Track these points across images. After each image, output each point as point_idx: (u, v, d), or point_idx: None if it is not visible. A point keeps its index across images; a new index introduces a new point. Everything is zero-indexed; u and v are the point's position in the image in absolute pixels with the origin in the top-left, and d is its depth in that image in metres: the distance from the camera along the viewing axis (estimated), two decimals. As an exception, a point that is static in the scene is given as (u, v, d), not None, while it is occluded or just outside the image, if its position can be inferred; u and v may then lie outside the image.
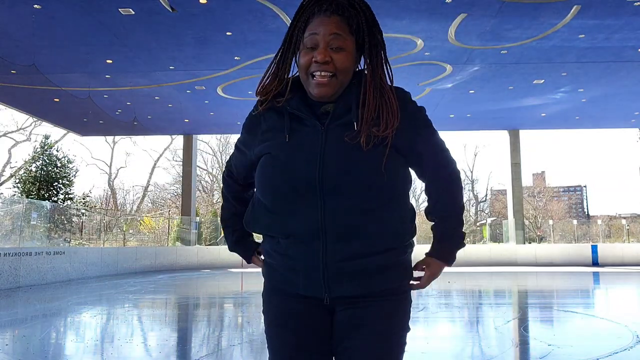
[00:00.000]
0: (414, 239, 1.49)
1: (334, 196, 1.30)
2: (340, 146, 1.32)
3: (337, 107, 1.36)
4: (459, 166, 1.57)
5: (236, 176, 1.60)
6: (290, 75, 1.42)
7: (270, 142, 1.39)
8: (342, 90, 1.37)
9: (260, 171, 1.40)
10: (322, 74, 1.32)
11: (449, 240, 1.50)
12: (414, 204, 1.72)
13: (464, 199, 1.55)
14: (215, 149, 42.38)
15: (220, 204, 1.61)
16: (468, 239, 28.79)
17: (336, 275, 1.33)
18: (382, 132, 1.32)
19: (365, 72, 1.39)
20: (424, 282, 1.48)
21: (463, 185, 1.56)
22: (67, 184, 25.64)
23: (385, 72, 1.40)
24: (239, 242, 1.64)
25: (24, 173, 25.87)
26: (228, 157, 1.63)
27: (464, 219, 1.55)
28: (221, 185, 1.70)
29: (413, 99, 1.44)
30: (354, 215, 1.31)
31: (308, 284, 1.35)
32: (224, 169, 1.65)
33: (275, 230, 1.39)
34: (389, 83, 1.39)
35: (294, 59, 1.40)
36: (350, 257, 1.32)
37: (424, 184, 1.53)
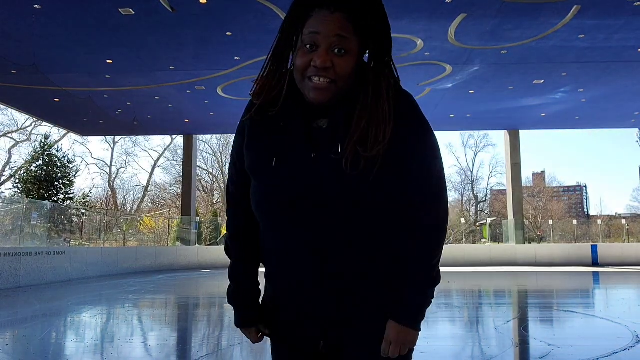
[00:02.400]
0: None
1: None
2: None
3: (330, 122, 1.22)
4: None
5: None
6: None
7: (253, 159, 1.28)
8: (341, 95, 1.21)
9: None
10: (321, 80, 1.17)
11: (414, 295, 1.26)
12: None
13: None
14: (215, 149, 42.42)
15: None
16: (468, 239, 28.79)
17: None
18: (369, 152, 1.17)
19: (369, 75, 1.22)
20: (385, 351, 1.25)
21: (443, 237, 1.29)
22: (67, 184, 25.67)
23: (393, 73, 1.25)
24: None
25: (24, 173, 25.89)
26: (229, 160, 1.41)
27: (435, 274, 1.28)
28: (224, 187, 1.58)
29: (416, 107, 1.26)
30: None
31: None
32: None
33: None
34: (392, 86, 1.23)
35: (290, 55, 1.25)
36: None
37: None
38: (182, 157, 25.36)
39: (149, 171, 42.46)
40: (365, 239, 1.22)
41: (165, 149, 41.46)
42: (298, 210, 1.21)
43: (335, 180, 1.18)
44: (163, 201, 42.32)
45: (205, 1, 9.65)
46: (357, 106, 1.20)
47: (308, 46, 1.18)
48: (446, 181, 1.28)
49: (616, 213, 50.90)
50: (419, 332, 1.26)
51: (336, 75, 1.17)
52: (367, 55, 1.24)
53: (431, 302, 1.26)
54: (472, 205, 48.48)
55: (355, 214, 1.20)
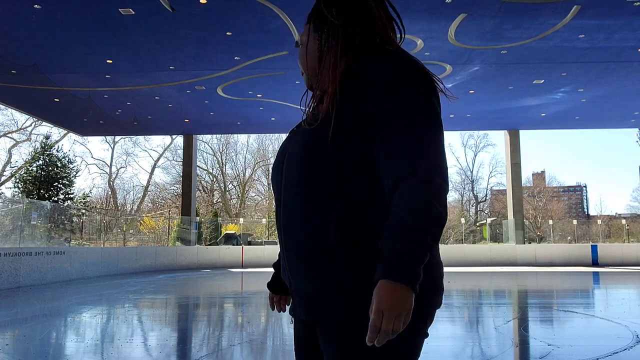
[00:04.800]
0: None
1: None
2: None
3: (311, 100, 1.35)
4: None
5: None
6: None
7: None
8: (318, 77, 1.31)
9: None
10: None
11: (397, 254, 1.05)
12: None
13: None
14: (215, 149, 42.41)
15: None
16: (468, 239, 28.77)
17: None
18: (321, 112, 1.20)
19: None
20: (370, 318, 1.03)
21: (443, 202, 1.08)
22: (68, 184, 25.68)
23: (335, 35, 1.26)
24: None
25: (25, 173, 25.89)
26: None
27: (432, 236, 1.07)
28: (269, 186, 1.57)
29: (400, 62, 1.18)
30: None
31: None
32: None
33: None
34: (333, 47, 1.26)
35: None
36: None
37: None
38: (182, 157, 25.36)
39: (149, 171, 42.51)
40: (325, 213, 1.15)
41: (165, 149, 41.49)
42: (275, 185, 1.30)
43: (298, 147, 1.23)
44: (163, 201, 42.32)
45: (205, 1, 9.66)
46: None
47: None
48: (438, 139, 1.13)
49: (616, 213, 50.96)
50: (413, 295, 1.02)
51: (302, 66, 1.35)
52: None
53: (427, 253, 1.04)
54: (472, 205, 48.49)
55: (314, 185, 1.17)
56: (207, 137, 39.37)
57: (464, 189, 48.93)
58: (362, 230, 1.13)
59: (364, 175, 1.16)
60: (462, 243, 26.08)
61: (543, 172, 59.53)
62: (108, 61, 12.92)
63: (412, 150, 1.09)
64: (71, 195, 26.12)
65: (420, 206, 1.04)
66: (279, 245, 1.33)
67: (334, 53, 1.25)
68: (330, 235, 1.13)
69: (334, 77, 1.22)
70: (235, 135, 39.81)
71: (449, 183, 1.12)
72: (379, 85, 1.15)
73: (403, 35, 1.36)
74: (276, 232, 1.33)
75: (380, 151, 1.13)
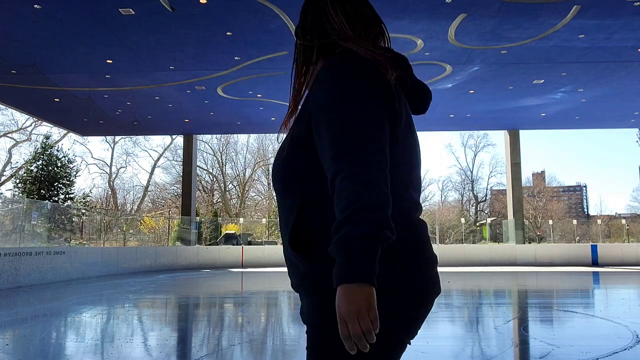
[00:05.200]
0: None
1: None
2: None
3: None
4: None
5: None
6: None
7: None
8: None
9: None
10: None
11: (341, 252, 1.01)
12: None
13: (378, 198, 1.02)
14: (215, 149, 42.41)
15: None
16: (468, 239, 28.77)
17: None
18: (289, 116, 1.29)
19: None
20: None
21: (375, 182, 1.03)
22: (68, 183, 25.68)
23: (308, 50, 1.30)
24: None
25: (25, 173, 25.89)
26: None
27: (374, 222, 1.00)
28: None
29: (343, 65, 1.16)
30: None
31: None
32: None
33: None
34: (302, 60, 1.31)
35: None
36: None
37: None
38: (182, 157, 25.36)
39: (149, 171, 42.49)
40: (287, 218, 1.18)
41: (165, 149, 41.49)
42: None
43: (277, 156, 1.27)
44: (163, 201, 42.32)
45: (205, 1, 9.66)
46: None
47: None
48: (368, 134, 1.07)
49: (616, 213, 50.96)
50: (369, 289, 0.97)
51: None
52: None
53: (371, 244, 0.98)
54: (472, 205, 48.48)
55: (286, 188, 1.22)
56: (207, 137, 39.41)
57: (464, 189, 48.97)
58: (309, 233, 1.15)
59: (311, 181, 1.17)
60: (462, 243, 26.09)
61: (543, 172, 59.53)
62: (108, 61, 12.92)
63: (336, 150, 1.06)
64: (71, 195, 26.12)
65: (348, 200, 1.01)
66: None
67: (298, 67, 1.32)
68: (289, 239, 1.17)
69: (294, 91, 1.30)
70: (235, 135, 39.82)
71: (383, 167, 1.05)
72: (315, 90, 1.17)
73: (379, 29, 1.35)
74: (276, 231, 1.35)
75: (320, 157, 1.13)
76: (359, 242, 0.98)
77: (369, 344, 0.98)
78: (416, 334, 1.19)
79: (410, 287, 1.13)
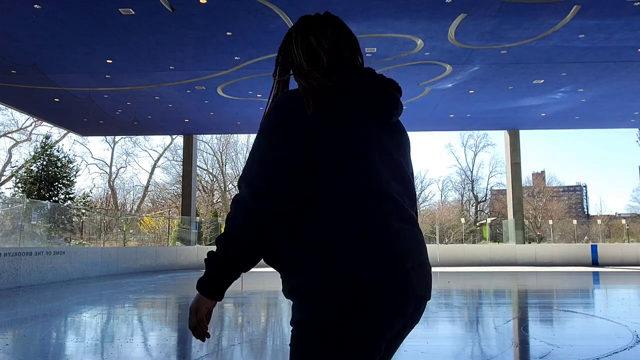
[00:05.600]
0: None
1: None
2: None
3: None
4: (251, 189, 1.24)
5: None
6: None
7: None
8: None
9: None
10: None
11: None
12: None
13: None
14: (215, 149, 42.41)
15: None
16: (468, 239, 28.77)
17: None
18: None
19: None
20: None
21: (238, 213, 1.22)
22: (68, 183, 25.69)
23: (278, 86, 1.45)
24: None
25: (25, 173, 25.90)
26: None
27: (223, 245, 1.23)
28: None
29: (275, 103, 1.31)
30: None
31: None
32: None
33: None
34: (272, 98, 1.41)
35: None
36: None
37: None
38: (182, 157, 25.37)
39: (149, 171, 42.49)
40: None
41: (165, 149, 41.49)
42: None
43: None
44: (163, 201, 42.32)
45: (205, 1, 9.66)
46: None
47: None
48: (256, 169, 1.24)
49: (616, 213, 50.97)
50: (198, 295, 1.26)
51: None
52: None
53: (213, 260, 1.23)
54: (472, 205, 48.49)
55: None
56: (207, 137, 39.42)
57: (464, 189, 48.97)
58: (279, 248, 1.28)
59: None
60: (462, 243, 26.09)
61: (543, 172, 59.53)
62: (108, 61, 12.92)
63: (242, 172, 1.29)
64: (71, 195, 26.12)
65: (226, 220, 1.27)
66: None
67: (270, 99, 1.42)
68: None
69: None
70: (235, 135, 39.82)
71: (261, 192, 1.20)
72: None
73: (342, 55, 1.41)
74: None
75: None
76: (208, 261, 1.25)
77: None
78: (397, 334, 1.24)
79: (340, 286, 1.15)
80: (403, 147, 1.39)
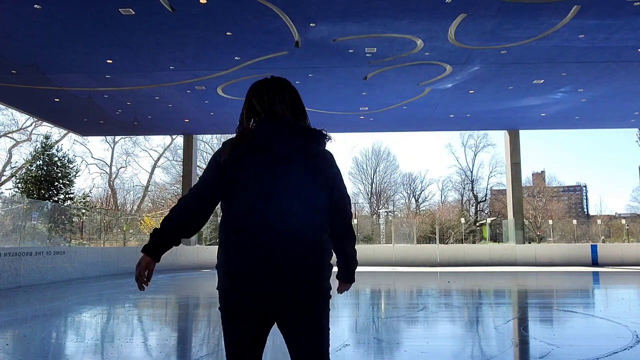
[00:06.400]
0: None
1: None
2: None
3: None
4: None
5: None
6: None
7: None
8: None
9: None
10: None
11: None
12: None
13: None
14: (215, 149, 42.32)
15: None
16: (468, 239, 28.76)
17: None
18: None
19: None
20: None
21: (181, 203, 1.96)
22: (68, 183, 25.68)
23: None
24: None
25: (25, 173, 25.89)
26: None
27: (163, 222, 1.99)
28: None
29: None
30: None
31: None
32: None
33: None
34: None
35: None
36: None
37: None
38: (182, 157, 25.36)
39: (149, 171, 42.47)
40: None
41: (165, 149, 41.48)
42: None
43: None
44: (163, 201, 42.29)
45: (205, 1, 9.66)
46: None
47: None
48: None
49: (616, 213, 50.97)
50: (142, 255, 2.01)
51: None
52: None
53: (155, 230, 1.98)
54: (472, 205, 48.48)
55: None
56: (207, 137, 39.36)
57: (464, 188, 48.97)
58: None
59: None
60: (462, 243, 26.08)
61: (543, 172, 59.57)
62: (108, 61, 12.92)
63: None
64: (71, 195, 26.12)
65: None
66: None
67: None
68: None
69: None
70: (234, 135, 39.73)
71: (187, 200, 1.95)
72: None
73: (274, 109, 2.09)
74: None
75: None
76: (151, 233, 1.95)
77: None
78: (247, 305, 1.86)
79: (220, 266, 1.90)
80: (309, 181, 1.90)
